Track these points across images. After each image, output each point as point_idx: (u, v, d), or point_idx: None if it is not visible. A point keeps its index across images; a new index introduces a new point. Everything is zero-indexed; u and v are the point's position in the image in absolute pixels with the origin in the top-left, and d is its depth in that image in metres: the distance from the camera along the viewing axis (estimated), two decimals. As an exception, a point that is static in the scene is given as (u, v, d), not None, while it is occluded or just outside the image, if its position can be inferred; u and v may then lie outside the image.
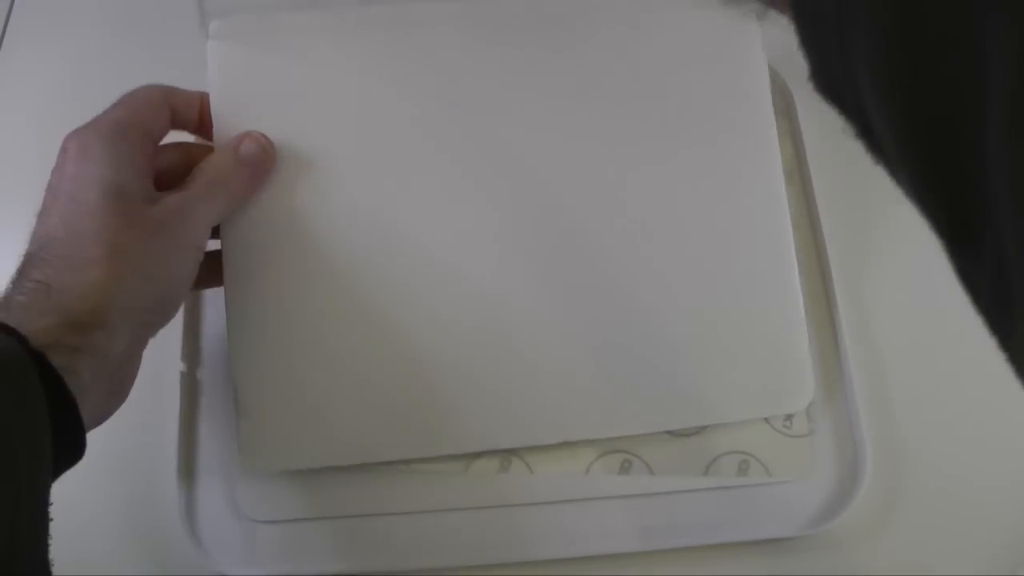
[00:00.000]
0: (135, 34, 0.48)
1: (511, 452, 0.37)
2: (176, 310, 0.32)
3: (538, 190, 0.37)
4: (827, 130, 0.44)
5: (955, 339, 0.40)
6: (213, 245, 0.35)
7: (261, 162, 0.34)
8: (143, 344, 0.31)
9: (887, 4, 0.17)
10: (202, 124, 0.35)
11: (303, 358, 0.35)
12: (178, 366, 0.39)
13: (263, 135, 0.35)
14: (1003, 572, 0.36)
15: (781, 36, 0.45)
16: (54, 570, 0.37)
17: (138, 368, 0.31)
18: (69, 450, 0.27)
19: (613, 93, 0.38)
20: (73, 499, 0.37)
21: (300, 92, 0.37)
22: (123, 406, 0.31)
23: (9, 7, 0.49)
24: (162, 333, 0.33)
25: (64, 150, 0.31)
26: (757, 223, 0.37)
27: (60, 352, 0.26)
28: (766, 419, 0.38)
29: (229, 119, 0.35)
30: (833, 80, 0.20)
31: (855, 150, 0.43)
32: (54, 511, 0.37)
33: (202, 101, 0.35)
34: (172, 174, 0.33)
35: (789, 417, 0.38)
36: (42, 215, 0.30)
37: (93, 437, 0.29)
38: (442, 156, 0.37)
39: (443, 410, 0.36)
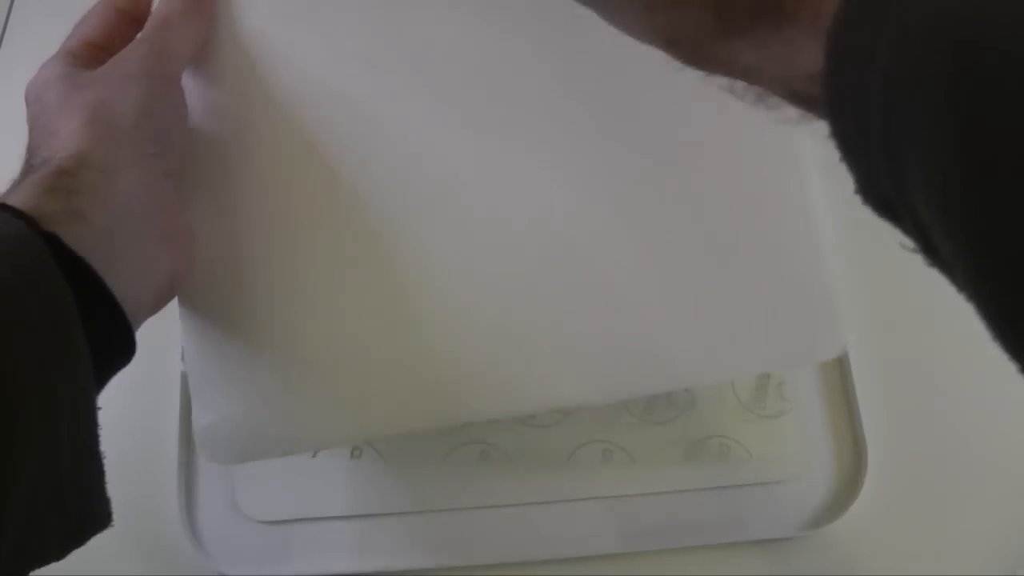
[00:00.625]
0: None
1: (490, 445, 0.37)
2: (179, 140, 0.31)
3: (529, 137, 0.33)
4: (828, 132, 0.44)
5: (956, 339, 0.40)
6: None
7: None
8: (163, 184, 0.29)
9: (946, 137, 0.16)
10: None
11: (256, 345, 0.32)
12: (178, 366, 0.39)
13: None
14: (1003, 572, 0.36)
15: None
16: (53, 569, 0.37)
17: (189, 224, 0.30)
18: (116, 346, 0.25)
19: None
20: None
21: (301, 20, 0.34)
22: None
23: (9, 7, 0.49)
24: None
25: (25, 93, 0.31)
26: (764, 160, 0.33)
27: (55, 196, 0.25)
28: (740, 402, 0.38)
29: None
30: (883, 198, 0.19)
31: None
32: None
33: None
34: None
35: (763, 398, 0.38)
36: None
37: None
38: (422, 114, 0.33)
39: (408, 386, 0.31)
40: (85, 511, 0.24)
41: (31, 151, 0.29)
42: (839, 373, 0.39)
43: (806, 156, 0.32)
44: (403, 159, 0.32)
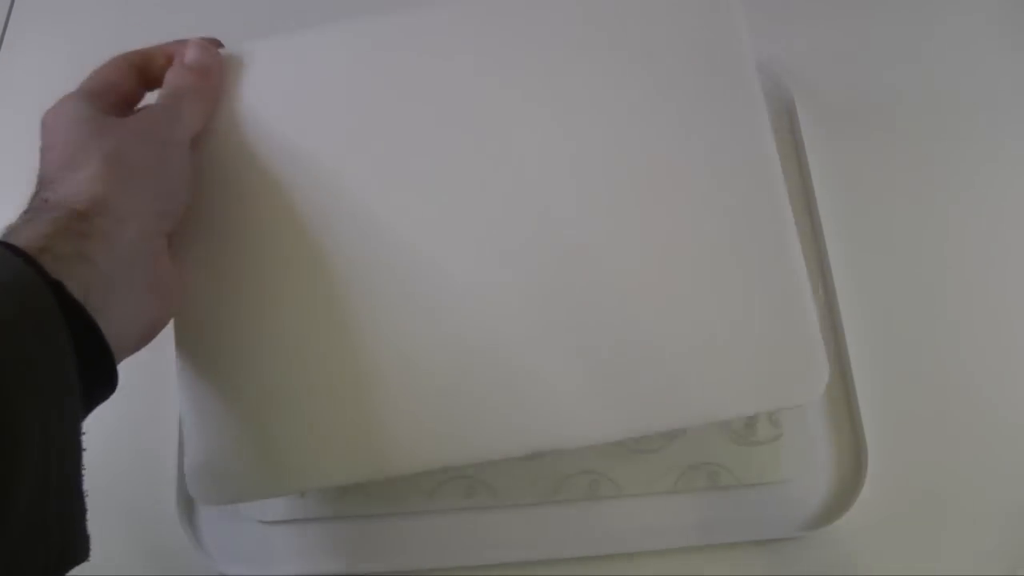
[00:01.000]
0: (135, 34, 0.48)
1: (474, 479, 0.37)
2: (182, 201, 0.33)
3: (520, 192, 0.34)
4: (828, 133, 0.44)
5: (956, 340, 0.40)
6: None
7: (208, 64, 0.36)
8: (161, 239, 0.31)
9: None
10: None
11: (249, 388, 0.33)
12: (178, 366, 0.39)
13: (202, 39, 0.36)
14: (1003, 572, 0.36)
15: (783, 40, 0.46)
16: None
17: (176, 277, 0.32)
18: (101, 380, 0.27)
19: (596, 80, 0.36)
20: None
21: (297, 103, 0.36)
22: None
23: (9, 7, 0.49)
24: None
25: (42, 123, 0.33)
26: (752, 199, 0.34)
27: (69, 239, 0.27)
28: (731, 430, 0.38)
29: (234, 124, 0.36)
30: None
31: (856, 152, 0.43)
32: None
33: (165, 53, 0.36)
34: None
35: (752, 426, 0.38)
36: (37, 173, 0.31)
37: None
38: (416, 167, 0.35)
39: (397, 429, 0.32)
40: (66, 545, 0.25)
41: (46, 182, 0.30)
42: (840, 373, 0.39)
43: (786, 196, 0.34)
44: (382, 229, 0.34)
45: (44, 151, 0.31)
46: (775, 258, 0.33)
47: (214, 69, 0.36)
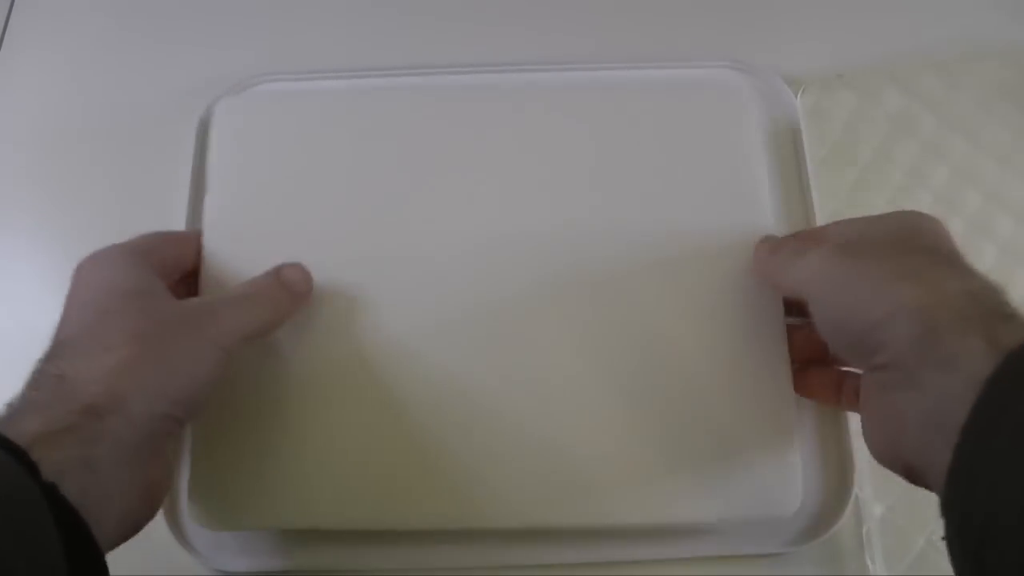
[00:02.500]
0: (135, 34, 0.48)
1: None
2: (201, 409, 0.31)
3: (520, 275, 0.37)
4: (827, 137, 0.44)
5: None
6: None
7: (300, 288, 0.35)
8: (165, 443, 0.29)
9: None
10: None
11: (261, 423, 0.35)
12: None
13: (303, 265, 0.36)
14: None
15: (779, 39, 0.46)
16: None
17: (168, 477, 0.30)
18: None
19: (609, 165, 0.39)
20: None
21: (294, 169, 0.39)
22: None
23: (9, 7, 0.49)
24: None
25: (79, 268, 0.31)
26: (752, 327, 0.36)
27: (74, 441, 0.25)
28: None
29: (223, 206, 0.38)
30: None
31: (856, 157, 0.43)
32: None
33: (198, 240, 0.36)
34: None
35: None
36: (59, 326, 0.29)
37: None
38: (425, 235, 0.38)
39: (402, 486, 0.34)
40: None
41: (65, 347, 0.28)
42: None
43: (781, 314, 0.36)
44: (386, 321, 0.36)
45: (70, 305, 0.29)
46: (767, 380, 0.35)
47: (301, 296, 0.35)
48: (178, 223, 0.41)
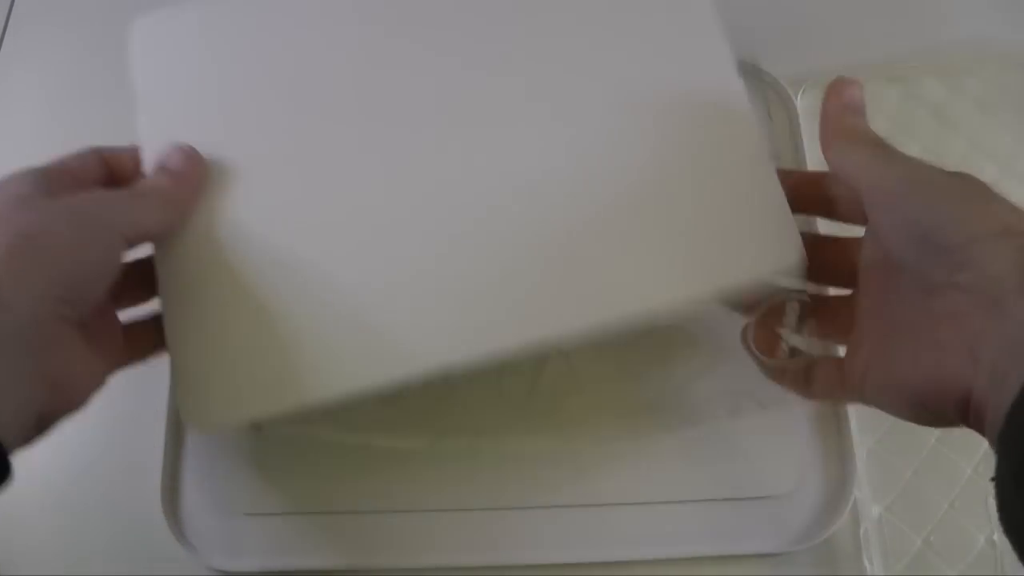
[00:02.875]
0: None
1: (477, 435, 0.37)
2: (95, 293, 0.30)
3: (483, 135, 0.35)
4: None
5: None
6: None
7: (189, 170, 0.34)
8: (63, 331, 0.29)
9: None
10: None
11: (236, 314, 0.33)
12: (165, 367, 0.39)
13: (190, 146, 0.34)
14: (1001, 572, 0.36)
15: (779, 40, 0.46)
16: (35, 569, 0.37)
17: (87, 375, 0.30)
18: None
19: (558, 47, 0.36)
20: (56, 495, 0.38)
21: (226, 81, 0.37)
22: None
23: (9, 7, 0.49)
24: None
25: None
26: (704, 81, 0.35)
27: None
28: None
29: (156, 123, 0.36)
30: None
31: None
32: (37, 510, 0.38)
33: (138, 156, 0.35)
34: None
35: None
36: None
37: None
38: (373, 116, 0.36)
39: (384, 331, 0.32)
40: None
41: None
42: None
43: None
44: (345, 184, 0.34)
45: None
46: (740, 147, 0.34)
47: (193, 180, 0.34)
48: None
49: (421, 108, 0.35)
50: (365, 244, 0.33)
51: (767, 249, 0.32)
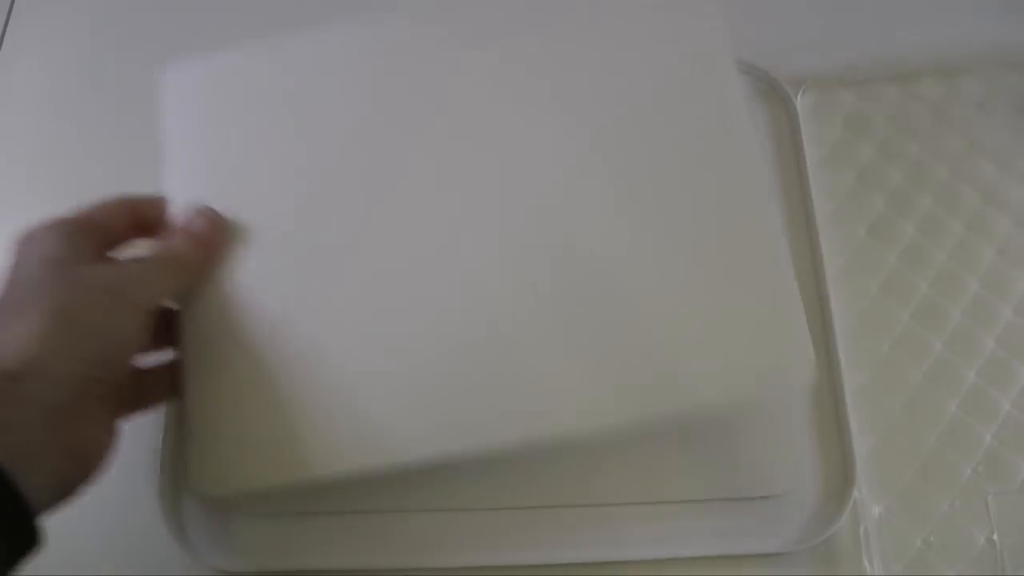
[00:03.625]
0: (136, 34, 0.48)
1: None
2: (125, 368, 0.31)
3: (512, 191, 0.35)
4: (827, 137, 0.44)
5: (948, 342, 0.40)
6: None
7: (211, 235, 0.35)
8: (91, 404, 0.30)
9: None
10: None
11: (253, 385, 0.34)
12: (163, 357, 0.39)
13: (213, 210, 0.35)
14: (1001, 572, 0.36)
15: (779, 40, 0.46)
16: (34, 570, 0.37)
17: (107, 439, 0.30)
18: (22, 539, 0.26)
19: (576, 91, 0.37)
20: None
21: (251, 138, 0.37)
22: None
23: (9, 7, 0.49)
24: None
25: (15, 243, 0.31)
26: (736, 190, 0.35)
27: None
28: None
29: (181, 175, 0.37)
30: None
31: (855, 157, 0.43)
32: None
33: (165, 205, 0.36)
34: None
35: None
36: None
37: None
38: (406, 170, 0.36)
39: (392, 416, 0.33)
40: None
41: None
42: (832, 387, 0.39)
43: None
44: (383, 227, 0.35)
45: (7, 277, 0.30)
46: (763, 256, 0.34)
47: (214, 245, 0.35)
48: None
49: (436, 180, 0.36)
50: (375, 325, 0.34)
51: (781, 361, 0.33)
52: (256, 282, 0.35)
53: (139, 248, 0.36)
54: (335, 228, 0.35)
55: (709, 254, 0.34)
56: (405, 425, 0.33)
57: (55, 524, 0.38)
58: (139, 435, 0.38)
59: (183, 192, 0.36)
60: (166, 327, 0.34)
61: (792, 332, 0.33)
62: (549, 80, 0.37)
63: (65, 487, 0.29)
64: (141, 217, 0.35)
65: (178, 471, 0.38)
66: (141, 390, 0.34)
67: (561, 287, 0.34)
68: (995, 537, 0.37)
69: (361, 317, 0.34)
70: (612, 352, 0.33)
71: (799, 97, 0.44)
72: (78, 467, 0.29)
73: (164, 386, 0.34)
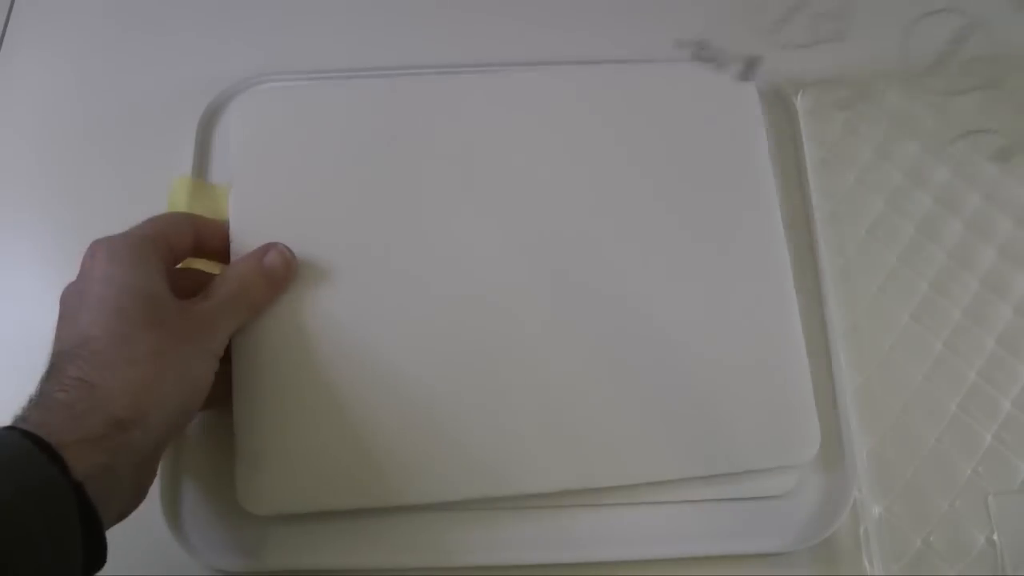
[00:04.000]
0: (135, 34, 0.48)
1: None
2: (193, 416, 0.33)
3: (542, 249, 0.38)
4: (827, 137, 0.44)
5: (948, 341, 0.40)
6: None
7: (284, 275, 0.36)
8: (166, 446, 0.32)
9: None
10: (224, 253, 0.37)
11: (305, 409, 0.36)
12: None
13: (287, 247, 0.36)
14: (1001, 572, 0.36)
15: (782, 43, 0.46)
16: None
17: (155, 470, 0.32)
18: (96, 559, 0.28)
19: (613, 152, 0.41)
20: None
21: (316, 170, 0.40)
22: None
23: (9, 7, 0.49)
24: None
25: (92, 253, 0.32)
26: (759, 276, 0.39)
27: (102, 450, 0.27)
28: None
29: (247, 202, 0.39)
30: None
31: (855, 157, 0.43)
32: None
33: (225, 231, 0.37)
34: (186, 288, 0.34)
35: None
36: (69, 315, 0.31)
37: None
38: (448, 227, 0.39)
39: (441, 457, 0.35)
40: None
41: (89, 349, 0.29)
42: (831, 388, 0.39)
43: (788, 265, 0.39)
44: (424, 297, 0.38)
45: (88, 296, 0.30)
46: (780, 334, 0.38)
47: (284, 282, 0.36)
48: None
49: (483, 220, 0.39)
50: (425, 364, 0.36)
51: (789, 443, 0.36)
52: (306, 305, 0.36)
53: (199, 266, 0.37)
54: (392, 265, 0.38)
55: (735, 338, 0.37)
56: (457, 465, 0.35)
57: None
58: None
59: (247, 217, 0.38)
60: None
61: (802, 414, 0.37)
62: (596, 146, 0.41)
63: (120, 518, 0.30)
64: (202, 238, 0.36)
65: (178, 471, 0.38)
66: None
67: (613, 348, 0.37)
68: (995, 537, 0.37)
69: (415, 355, 0.36)
70: (652, 417, 0.36)
71: (799, 98, 0.44)
72: (137, 500, 0.31)
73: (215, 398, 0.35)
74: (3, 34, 0.48)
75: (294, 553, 0.37)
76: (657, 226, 0.39)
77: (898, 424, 0.38)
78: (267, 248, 0.36)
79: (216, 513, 0.37)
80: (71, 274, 0.32)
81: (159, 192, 0.42)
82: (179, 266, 0.36)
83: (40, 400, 0.28)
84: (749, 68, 0.41)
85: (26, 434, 0.26)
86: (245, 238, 0.37)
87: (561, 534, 0.37)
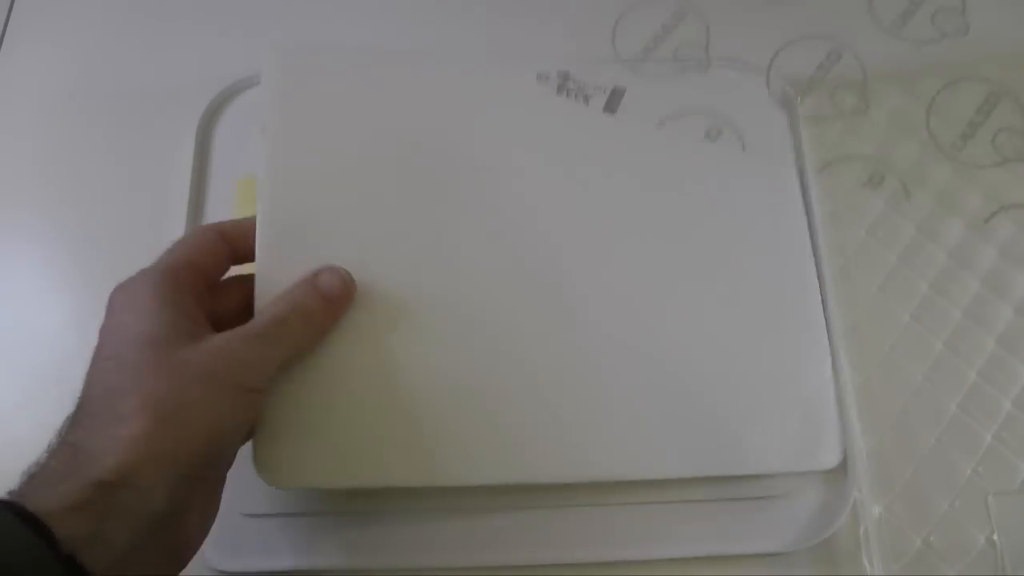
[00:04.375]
0: (136, 34, 0.48)
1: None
2: (233, 457, 0.30)
3: (570, 252, 0.38)
4: (827, 137, 0.44)
5: (948, 341, 0.40)
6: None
7: (341, 294, 0.33)
8: (200, 495, 0.28)
9: None
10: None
11: (326, 383, 0.35)
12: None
13: (344, 269, 0.34)
14: (1001, 572, 0.36)
15: (782, 44, 0.46)
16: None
17: (206, 523, 0.29)
18: None
19: (643, 160, 0.41)
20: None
21: (351, 148, 0.38)
22: None
23: (9, 7, 0.49)
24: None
25: (108, 303, 0.30)
26: (785, 281, 0.39)
27: (87, 517, 0.25)
28: None
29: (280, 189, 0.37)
30: None
31: (856, 158, 0.43)
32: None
33: (253, 228, 0.34)
34: (236, 312, 0.33)
35: None
36: (85, 380, 0.28)
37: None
38: (470, 223, 0.38)
39: (461, 441, 0.35)
40: None
41: (83, 413, 0.27)
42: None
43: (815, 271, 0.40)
44: (444, 287, 0.37)
45: (97, 356, 0.28)
46: (806, 339, 0.38)
47: (341, 304, 0.33)
48: (178, 219, 0.41)
49: (523, 223, 0.38)
50: (452, 347, 0.36)
51: (813, 449, 0.37)
52: None
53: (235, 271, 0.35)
54: (416, 245, 0.37)
55: (766, 350, 0.38)
56: (479, 451, 0.35)
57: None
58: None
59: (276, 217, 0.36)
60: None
61: (826, 420, 0.37)
62: (624, 153, 0.41)
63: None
64: (234, 244, 0.33)
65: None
66: None
67: (640, 349, 0.37)
68: (995, 537, 0.37)
69: (440, 336, 0.36)
70: (678, 414, 0.36)
71: (799, 98, 0.44)
72: (173, 563, 0.28)
73: None
74: (3, 32, 0.48)
75: (294, 553, 0.37)
76: (688, 232, 0.39)
77: (898, 424, 0.38)
78: (319, 270, 0.33)
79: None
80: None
81: (159, 189, 0.42)
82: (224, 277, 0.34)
83: (33, 469, 0.26)
84: (614, 98, 0.41)
85: (9, 505, 0.24)
86: (272, 250, 0.35)
87: (561, 534, 0.37)
